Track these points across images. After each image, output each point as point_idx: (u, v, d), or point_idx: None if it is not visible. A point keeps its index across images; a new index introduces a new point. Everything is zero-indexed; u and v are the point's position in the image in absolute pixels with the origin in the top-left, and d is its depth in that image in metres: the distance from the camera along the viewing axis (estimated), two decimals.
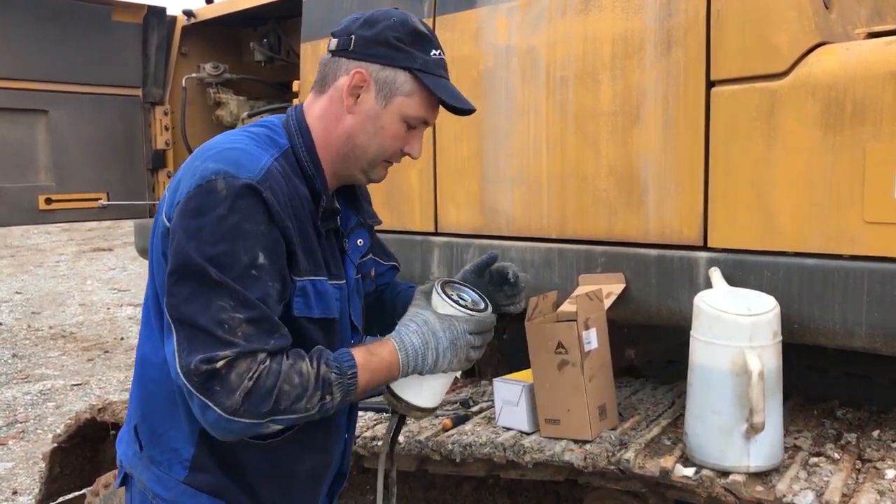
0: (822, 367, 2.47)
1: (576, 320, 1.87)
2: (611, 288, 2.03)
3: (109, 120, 3.51)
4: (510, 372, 3.98)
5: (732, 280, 1.87)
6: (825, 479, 1.71)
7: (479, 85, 2.37)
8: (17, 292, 10.53)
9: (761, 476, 1.73)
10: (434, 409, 1.48)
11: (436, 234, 2.54)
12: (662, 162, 2.00)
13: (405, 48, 1.39)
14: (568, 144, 2.17)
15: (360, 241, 1.52)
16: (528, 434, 2.00)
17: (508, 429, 2.05)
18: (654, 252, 2.02)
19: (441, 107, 1.44)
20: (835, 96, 1.73)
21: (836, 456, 1.83)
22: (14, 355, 7.36)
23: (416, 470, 2.24)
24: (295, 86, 2.95)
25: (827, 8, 1.86)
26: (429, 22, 2.48)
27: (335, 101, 1.41)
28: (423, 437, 2.10)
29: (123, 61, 3.50)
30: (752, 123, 1.85)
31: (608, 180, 2.10)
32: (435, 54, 1.42)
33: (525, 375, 2.10)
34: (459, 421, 2.18)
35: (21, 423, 5.45)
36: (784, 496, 1.64)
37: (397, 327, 1.39)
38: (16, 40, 3.18)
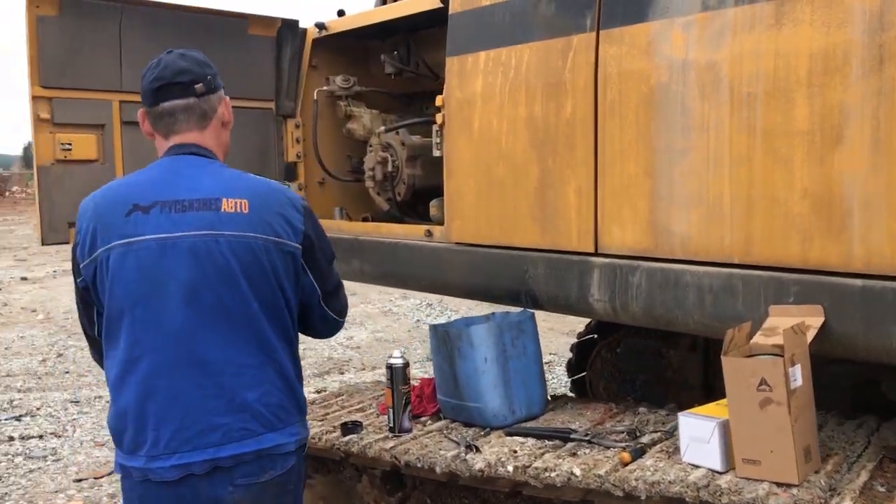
0: None
1: (783, 356, 1.76)
2: (809, 321, 1.91)
3: (244, 133, 3.55)
4: (624, 385, 3.88)
5: None
6: None
7: (650, 101, 2.27)
8: None
9: None
10: None
11: (595, 254, 2.45)
12: (870, 185, 1.86)
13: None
14: (755, 164, 2.05)
15: None
16: (720, 473, 1.89)
17: (696, 466, 1.95)
18: (858, 282, 1.89)
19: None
20: None
21: None
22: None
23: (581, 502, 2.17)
24: (438, 100, 2.91)
25: None
26: (592, 36, 2.40)
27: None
28: (603, 472, 2.02)
29: (258, 75, 3.53)
30: None
31: (803, 203, 1.97)
32: None
33: (712, 410, 1.99)
34: (637, 454, 2.09)
35: None
36: None
37: None
38: (157, 55, 3.24)
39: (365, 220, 3.90)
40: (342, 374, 6.99)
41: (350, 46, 3.83)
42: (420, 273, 3.07)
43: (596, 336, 3.91)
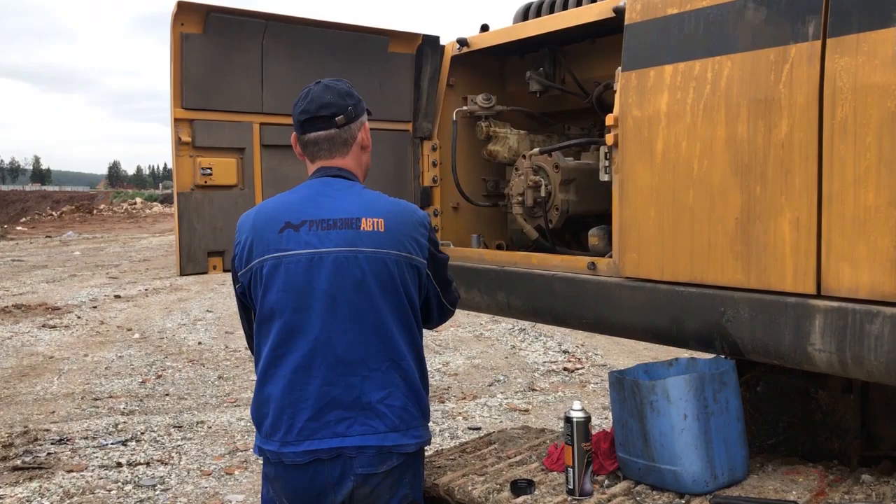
0: None
1: None
2: None
3: (381, 157, 3.34)
4: (764, 428, 3.47)
5: None
6: None
7: None
8: (207, 310, 11.00)
9: None
10: None
11: (818, 296, 2.11)
12: None
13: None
14: None
15: None
16: None
17: None
18: None
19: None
20: None
21: None
22: (220, 377, 7.56)
23: None
24: (609, 119, 2.63)
25: None
26: (816, 46, 2.08)
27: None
28: None
29: (396, 94, 3.33)
30: None
31: None
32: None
33: None
34: None
35: (241, 451, 5.48)
36: None
37: None
38: (300, 75, 3.07)
39: (499, 247, 3.64)
40: (442, 402, 6.74)
41: (487, 64, 3.60)
42: (582, 310, 2.77)
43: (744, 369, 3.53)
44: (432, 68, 3.35)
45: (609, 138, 2.62)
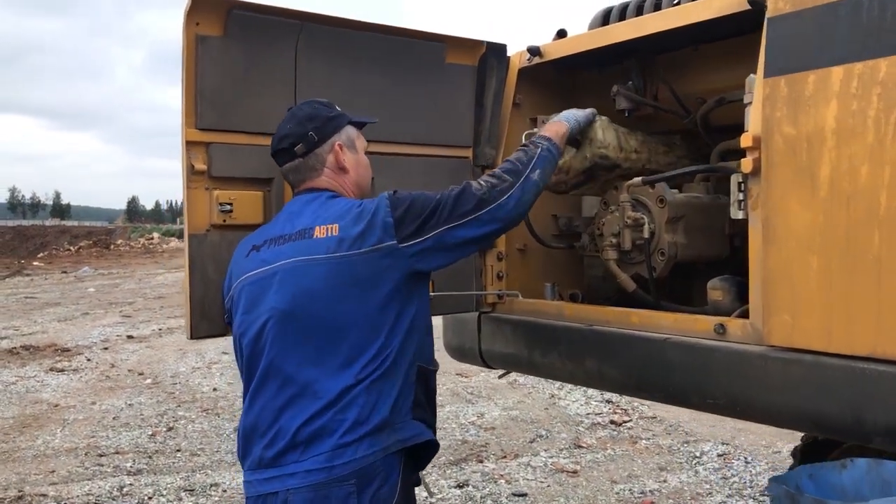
0: None
1: None
2: None
3: (438, 189, 2.74)
4: None
5: None
6: None
7: None
8: (223, 353, 10.40)
9: None
10: None
11: None
12: None
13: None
14: None
15: None
16: None
17: None
18: None
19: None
20: None
21: None
22: (236, 429, 6.93)
23: None
24: (745, 140, 2.02)
25: None
26: None
27: None
28: None
29: (454, 114, 2.74)
30: None
31: None
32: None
33: None
34: None
35: None
36: None
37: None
38: (340, 87, 2.49)
39: (573, 297, 3.02)
40: (481, 462, 6.06)
41: (557, 78, 3.02)
42: (708, 388, 2.14)
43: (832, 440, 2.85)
44: (497, 83, 2.77)
45: (746, 164, 2.02)
